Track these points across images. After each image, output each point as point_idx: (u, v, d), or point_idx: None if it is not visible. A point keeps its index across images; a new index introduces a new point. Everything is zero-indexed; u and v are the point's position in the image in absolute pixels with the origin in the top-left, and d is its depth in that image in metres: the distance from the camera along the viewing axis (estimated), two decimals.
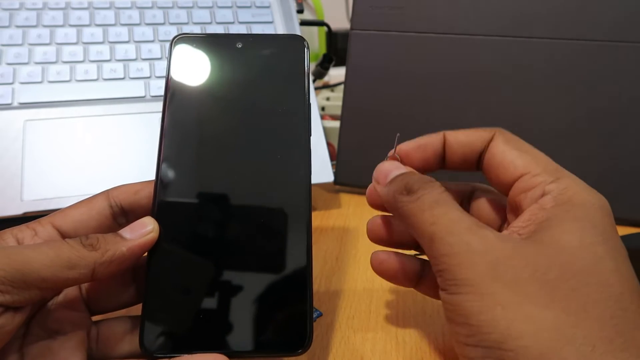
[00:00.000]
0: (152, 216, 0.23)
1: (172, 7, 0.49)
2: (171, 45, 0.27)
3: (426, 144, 0.25)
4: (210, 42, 0.27)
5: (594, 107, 0.39)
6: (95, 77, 0.44)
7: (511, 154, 0.22)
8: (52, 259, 0.20)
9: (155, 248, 0.23)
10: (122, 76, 0.44)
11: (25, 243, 0.22)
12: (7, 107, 0.41)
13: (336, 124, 0.50)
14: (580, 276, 0.18)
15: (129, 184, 0.25)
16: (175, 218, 0.24)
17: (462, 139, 0.24)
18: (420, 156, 0.25)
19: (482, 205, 0.25)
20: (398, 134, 0.25)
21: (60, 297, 0.23)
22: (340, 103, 0.44)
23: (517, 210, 0.22)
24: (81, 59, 0.44)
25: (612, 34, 0.38)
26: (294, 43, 0.27)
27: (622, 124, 0.38)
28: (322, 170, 0.41)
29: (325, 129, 0.47)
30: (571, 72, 0.39)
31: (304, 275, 0.23)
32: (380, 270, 0.25)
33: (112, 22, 0.47)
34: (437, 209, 0.20)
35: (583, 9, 0.38)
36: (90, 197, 0.25)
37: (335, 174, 0.41)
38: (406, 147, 0.25)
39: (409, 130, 0.42)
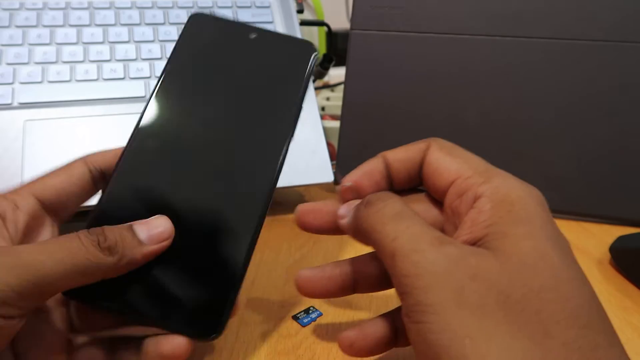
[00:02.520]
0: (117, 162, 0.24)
1: (172, 7, 0.49)
2: (187, 20, 0.27)
3: (371, 170, 0.24)
4: (225, 26, 0.27)
5: (594, 107, 0.39)
6: (95, 77, 0.44)
7: (444, 160, 0.22)
8: (68, 268, 0.19)
9: (112, 194, 0.24)
10: (122, 76, 0.44)
11: (7, 218, 0.21)
12: (7, 107, 0.41)
13: (336, 124, 0.50)
14: (542, 294, 0.17)
15: (104, 150, 0.25)
16: (136, 174, 0.24)
17: (402, 156, 0.24)
18: (369, 183, 0.24)
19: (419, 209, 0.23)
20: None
21: None
22: (340, 103, 0.44)
23: (455, 218, 0.21)
24: (81, 59, 0.44)
25: (612, 34, 0.38)
26: (303, 47, 0.27)
27: (622, 124, 0.38)
28: (322, 170, 0.41)
29: (325, 129, 0.47)
30: (571, 72, 0.39)
31: (238, 265, 0.23)
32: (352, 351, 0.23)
33: (112, 22, 0.47)
34: (400, 222, 0.19)
35: (583, 8, 0.38)
36: (67, 165, 0.24)
37: (335, 174, 0.41)
38: (353, 177, 0.24)
39: (409, 130, 0.43)
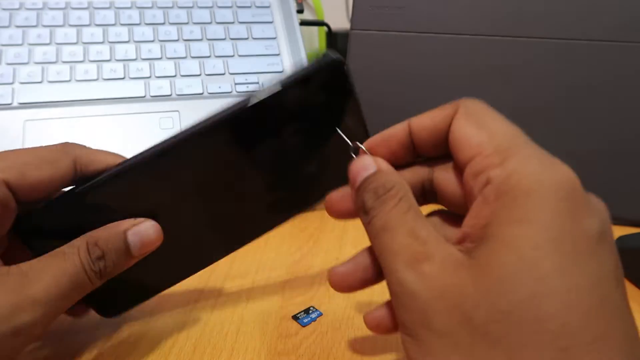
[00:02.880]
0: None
1: (172, 7, 0.49)
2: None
3: (390, 136, 0.22)
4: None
5: (594, 107, 0.39)
6: (95, 77, 0.44)
7: (466, 131, 0.19)
8: (67, 295, 0.21)
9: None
10: (122, 76, 0.44)
11: None
12: (7, 107, 0.41)
13: None
14: (514, 314, 0.15)
15: (94, 150, 0.24)
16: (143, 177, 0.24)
17: (427, 123, 0.21)
18: (386, 151, 0.22)
19: (440, 187, 0.22)
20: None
21: None
22: None
23: (469, 200, 0.19)
24: (81, 59, 0.44)
25: (613, 34, 0.38)
26: (329, 66, 0.23)
27: (622, 124, 0.38)
28: None
29: None
30: (571, 72, 0.39)
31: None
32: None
33: (112, 22, 0.47)
34: (383, 237, 0.18)
35: (583, 9, 0.38)
36: (54, 157, 0.22)
37: None
38: (372, 142, 0.22)
39: None
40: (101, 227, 0.23)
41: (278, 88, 0.22)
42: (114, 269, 0.22)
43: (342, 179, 0.22)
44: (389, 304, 0.21)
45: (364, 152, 0.22)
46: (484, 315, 0.15)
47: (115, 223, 0.23)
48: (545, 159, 0.17)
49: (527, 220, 0.16)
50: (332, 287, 0.22)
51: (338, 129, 0.23)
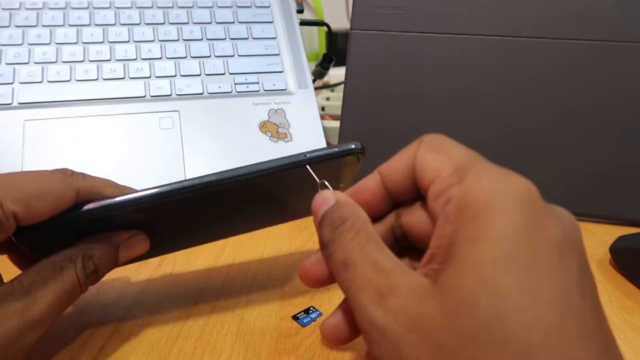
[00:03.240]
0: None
1: (172, 7, 0.49)
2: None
3: (361, 187, 0.22)
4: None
5: (595, 107, 0.39)
6: (95, 77, 0.44)
7: (427, 158, 0.19)
8: (64, 307, 0.23)
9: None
10: (122, 76, 0.44)
11: None
12: (7, 107, 0.41)
13: (336, 124, 0.50)
14: (478, 340, 0.14)
15: (101, 184, 0.24)
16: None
17: (396, 164, 0.21)
18: (360, 203, 0.21)
19: (410, 229, 0.21)
20: (307, 166, 0.24)
21: None
22: (340, 103, 0.44)
23: (434, 224, 0.19)
24: (81, 58, 0.44)
25: (613, 34, 0.38)
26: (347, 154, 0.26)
27: (622, 124, 0.38)
28: None
29: (325, 129, 0.47)
30: (571, 72, 0.39)
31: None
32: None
33: (112, 22, 0.47)
34: (346, 273, 0.18)
35: (583, 9, 0.38)
36: (59, 189, 0.22)
37: None
38: (344, 195, 0.22)
39: (409, 130, 0.43)
40: (96, 239, 0.24)
41: (302, 159, 0.25)
42: (102, 277, 0.25)
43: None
44: (343, 310, 0.21)
45: (327, 187, 0.22)
46: (453, 341, 0.15)
47: (110, 235, 0.24)
48: (502, 172, 0.17)
49: (485, 238, 0.15)
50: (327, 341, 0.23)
51: (308, 167, 0.24)
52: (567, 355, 0.14)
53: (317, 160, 0.25)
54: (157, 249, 0.27)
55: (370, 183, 0.22)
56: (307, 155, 0.24)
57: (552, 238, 0.15)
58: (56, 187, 0.22)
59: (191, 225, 0.27)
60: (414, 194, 0.21)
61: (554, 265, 0.15)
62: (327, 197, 0.21)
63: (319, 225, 0.20)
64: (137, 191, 0.24)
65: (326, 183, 0.23)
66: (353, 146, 0.25)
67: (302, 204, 0.27)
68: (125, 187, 0.25)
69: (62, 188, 0.22)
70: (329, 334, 0.21)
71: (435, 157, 0.19)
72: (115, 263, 0.25)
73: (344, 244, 0.19)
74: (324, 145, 0.45)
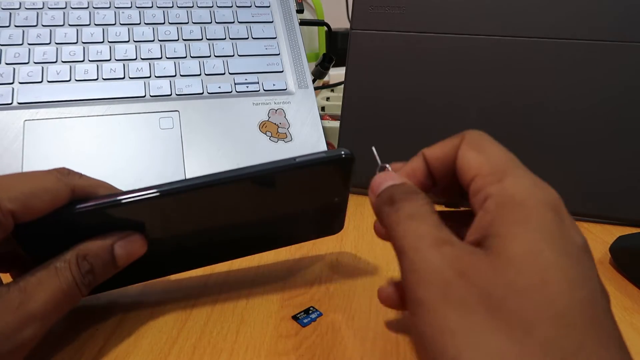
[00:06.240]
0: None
1: (172, 7, 0.49)
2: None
3: (413, 170, 0.24)
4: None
5: (595, 107, 0.39)
6: (95, 77, 0.44)
7: (468, 156, 0.22)
8: (61, 307, 0.22)
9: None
10: (121, 76, 0.44)
11: None
12: (7, 107, 0.41)
13: (336, 124, 0.50)
14: (526, 294, 0.17)
15: (95, 184, 0.25)
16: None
17: (438, 153, 0.23)
18: (415, 182, 0.24)
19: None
20: (373, 147, 0.25)
21: None
22: (340, 103, 0.44)
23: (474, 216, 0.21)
24: (81, 58, 0.44)
25: (614, 34, 0.38)
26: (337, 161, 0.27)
27: (623, 124, 0.38)
28: None
29: (325, 129, 0.47)
30: (571, 72, 0.39)
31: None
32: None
33: (112, 22, 0.47)
34: (410, 223, 0.20)
35: (583, 9, 0.38)
36: (55, 188, 0.23)
37: None
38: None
39: (409, 130, 0.43)
40: (90, 240, 0.24)
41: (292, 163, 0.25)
42: (102, 279, 0.24)
43: (321, 229, 0.29)
44: (396, 285, 0.24)
45: (387, 169, 0.25)
46: (502, 292, 0.17)
47: (103, 236, 0.24)
48: (536, 180, 0.20)
49: (525, 221, 0.18)
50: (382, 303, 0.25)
51: (373, 148, 0.26)
52: (598, 324, 0.16)
53: (307, 165, 0.25)
54: (159, 267, 0.28)
55: (420, 165, 0.24)
56: (297, 159, 0.25)
57: (576, 241, 0.18)
58: (52, 186, 0.23)
59: (190, 238, 0.27)
60: (451, 182, 0.23)
61: (579, 258, 0.18)
62: (395, 177, 0.23)
63: (386, 190, 0.22)
64: (132, 191, 0.24)
65: (387, 166, 0.25)
66: (342, 153, 0.26)
67: (297, 226, 0.29)
68: (120, 190, 0.25)
69: (58, 186, 0.23)
70: (382, 296, 0.24)
71: (476, 156, 0.21)
72: (113, 263, 0.25)
73: (413, 203, 0.21)
74: (324, 145, 0.45)
